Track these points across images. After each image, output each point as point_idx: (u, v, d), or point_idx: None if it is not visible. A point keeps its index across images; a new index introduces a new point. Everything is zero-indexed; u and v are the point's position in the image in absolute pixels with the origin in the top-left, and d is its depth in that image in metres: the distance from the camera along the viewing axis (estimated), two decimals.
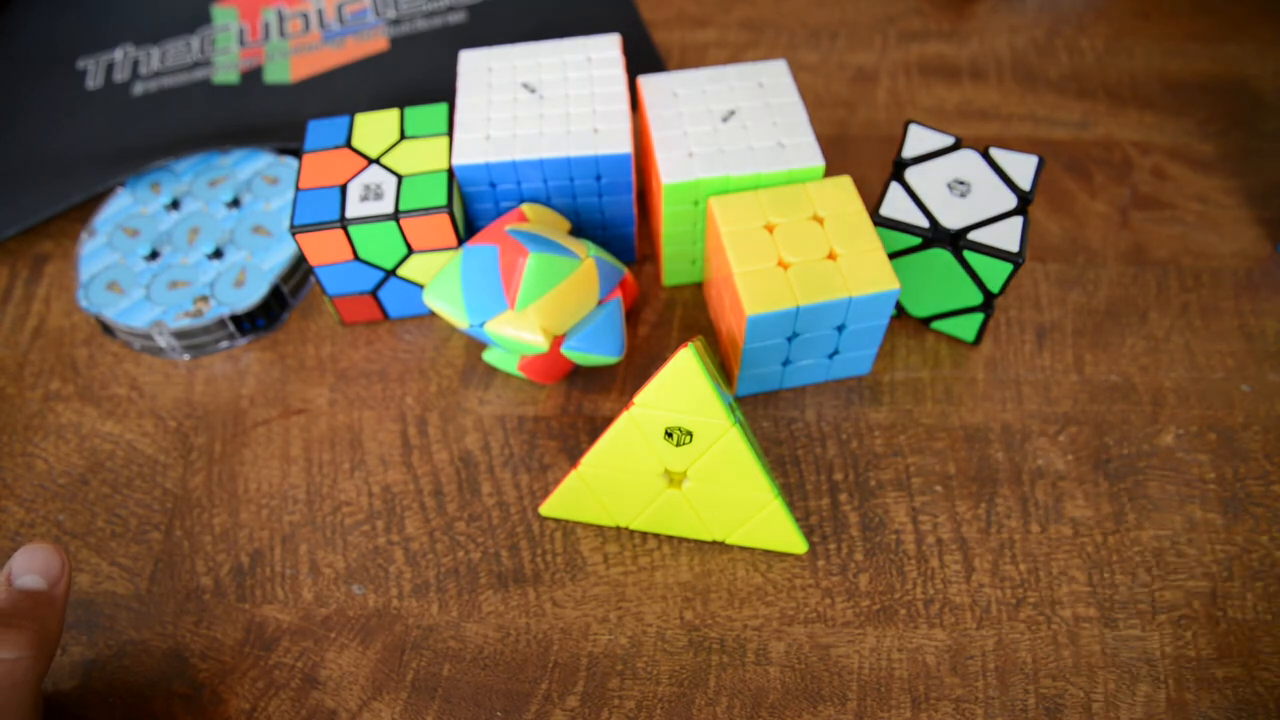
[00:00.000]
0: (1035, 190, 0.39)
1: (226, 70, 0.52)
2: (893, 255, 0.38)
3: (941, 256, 0.37)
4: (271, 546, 0.36)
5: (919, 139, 0.40)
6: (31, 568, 0.30)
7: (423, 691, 0.33)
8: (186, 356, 0.42)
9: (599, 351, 0.37)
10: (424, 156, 0.39)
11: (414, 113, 0.41)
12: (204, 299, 0.41)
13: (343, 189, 0.38)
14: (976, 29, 0.54)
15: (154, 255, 0.43)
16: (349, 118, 0.41)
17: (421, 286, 0.41)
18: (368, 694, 0.33)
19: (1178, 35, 0.54)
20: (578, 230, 0.42)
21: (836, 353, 0.38)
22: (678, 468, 0.33)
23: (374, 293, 0.41)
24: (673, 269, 0.42)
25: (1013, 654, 0.33)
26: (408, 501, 0.37)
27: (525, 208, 0.39)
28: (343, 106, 0.49)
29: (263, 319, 0.42)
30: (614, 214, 0.41)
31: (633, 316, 0.42)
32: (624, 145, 0.38)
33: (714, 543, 0.36)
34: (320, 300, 0.44)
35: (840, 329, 0.36)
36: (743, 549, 0.36)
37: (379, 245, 0.38)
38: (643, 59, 0.50)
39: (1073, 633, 0.34)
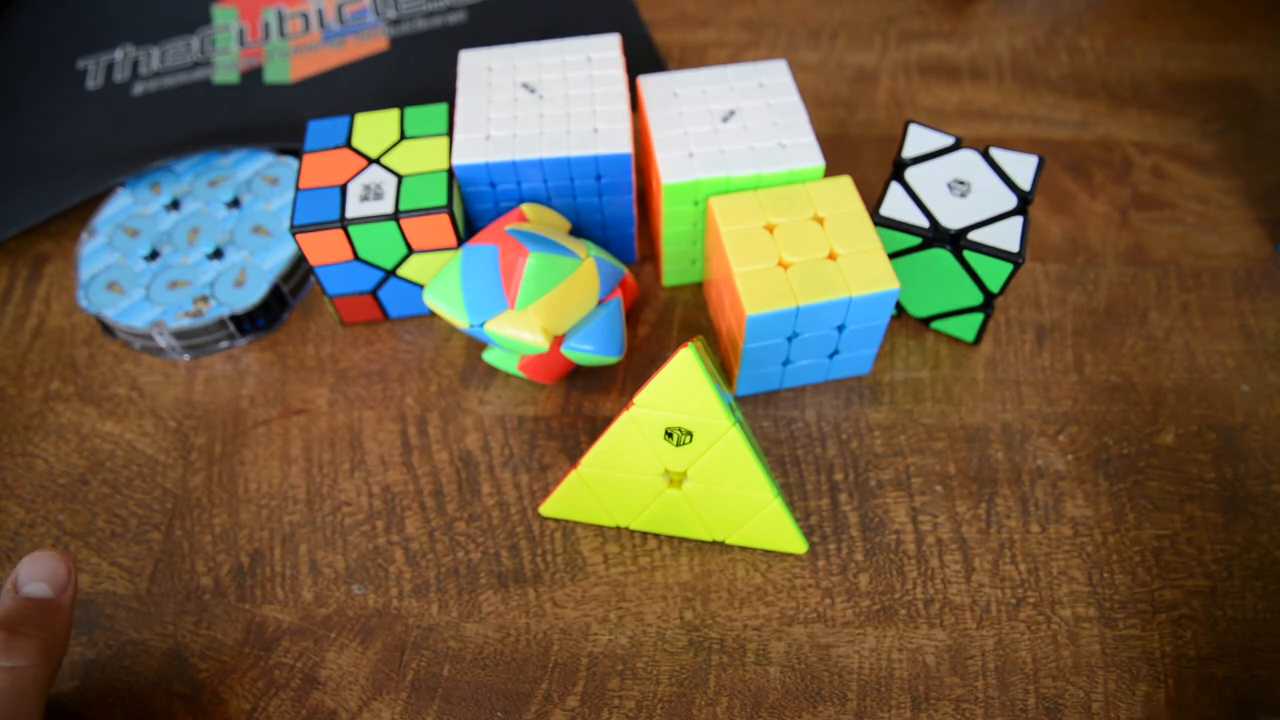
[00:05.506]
0: (1035, 190, 0.39)
1: (226, 70, 0.52)
2: (893, 255, 0.38)
3: (941, 256, 0.37)
4: (271, 546, 0.36)
5: (919, 139, 0.40)
6: (37, 575, 0.30)
7: (423, 691, 0.33)
8: (186, 356, 0.42)
9: (599, 351, 0.37)
10: (424, 156, 0.39)
11: (414, 113, 0.41)
12: (204, 299, 0.41)
13: (343, 189, 0.38)
14: (976, 29, 0.54)
15: (154, 255, 0.43)
16: (349, 118, 0.41)
17: (421, 286, 0.41)
18: (368, 694, 0.33)
19: (1178, 35, 0.54)
20: (578, 230, 0.42)
21: (836, 353, 0.38)
22: (678, 468, 0.33)
23: (374, 293, 0.41)
24: (673, 269, 0.42)
25: (1013, 654, 0.33)
26: (408, 501, 0.37)
27: (525, 208, 0.39)
28: (343, 106, 0.49)
29: (263, 319, 0.42)
30: (614, 214, 0.41)
31: (633, 316, 0.42)
32: (624, 145, 0.38)
33: (714, 543, 0.36)
34: (320, 300, 0.44)
35: (840, 329, 0.36)
36: (743, 549, 0.36)
37: (379, 245, 0.38)
38: (643, 59, 0.50)
39: (1073, 633, 0.34)
